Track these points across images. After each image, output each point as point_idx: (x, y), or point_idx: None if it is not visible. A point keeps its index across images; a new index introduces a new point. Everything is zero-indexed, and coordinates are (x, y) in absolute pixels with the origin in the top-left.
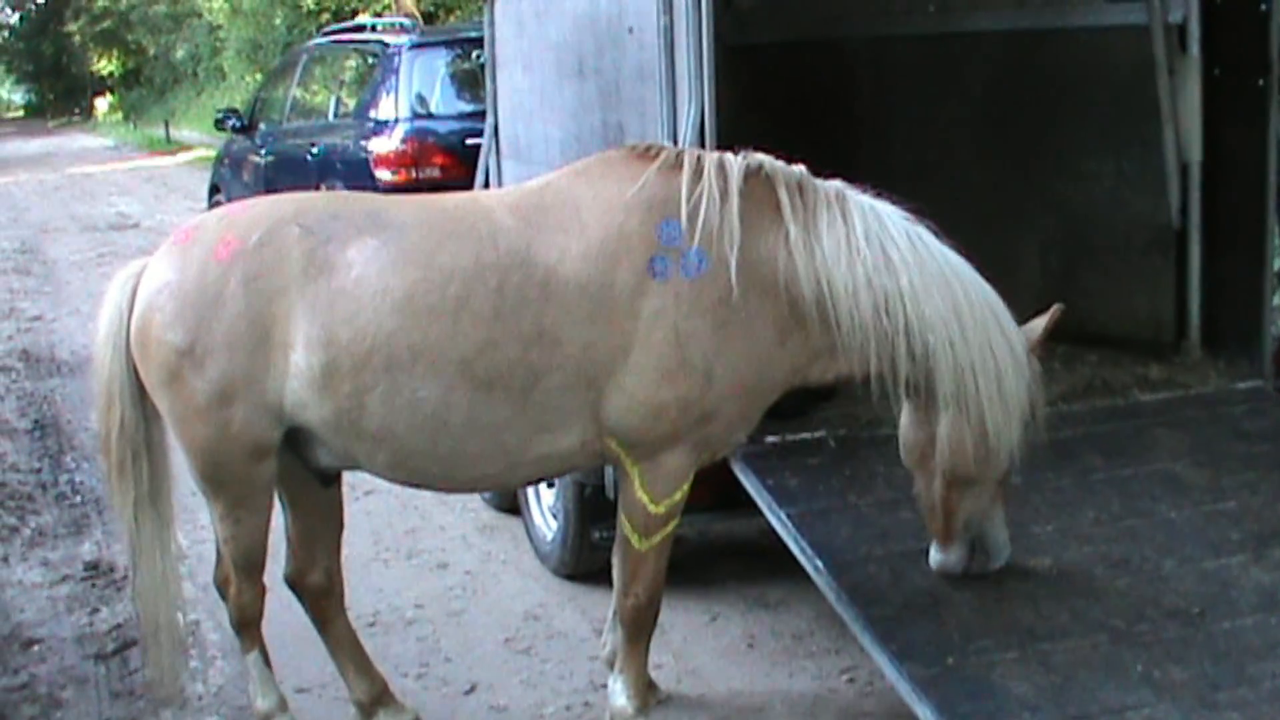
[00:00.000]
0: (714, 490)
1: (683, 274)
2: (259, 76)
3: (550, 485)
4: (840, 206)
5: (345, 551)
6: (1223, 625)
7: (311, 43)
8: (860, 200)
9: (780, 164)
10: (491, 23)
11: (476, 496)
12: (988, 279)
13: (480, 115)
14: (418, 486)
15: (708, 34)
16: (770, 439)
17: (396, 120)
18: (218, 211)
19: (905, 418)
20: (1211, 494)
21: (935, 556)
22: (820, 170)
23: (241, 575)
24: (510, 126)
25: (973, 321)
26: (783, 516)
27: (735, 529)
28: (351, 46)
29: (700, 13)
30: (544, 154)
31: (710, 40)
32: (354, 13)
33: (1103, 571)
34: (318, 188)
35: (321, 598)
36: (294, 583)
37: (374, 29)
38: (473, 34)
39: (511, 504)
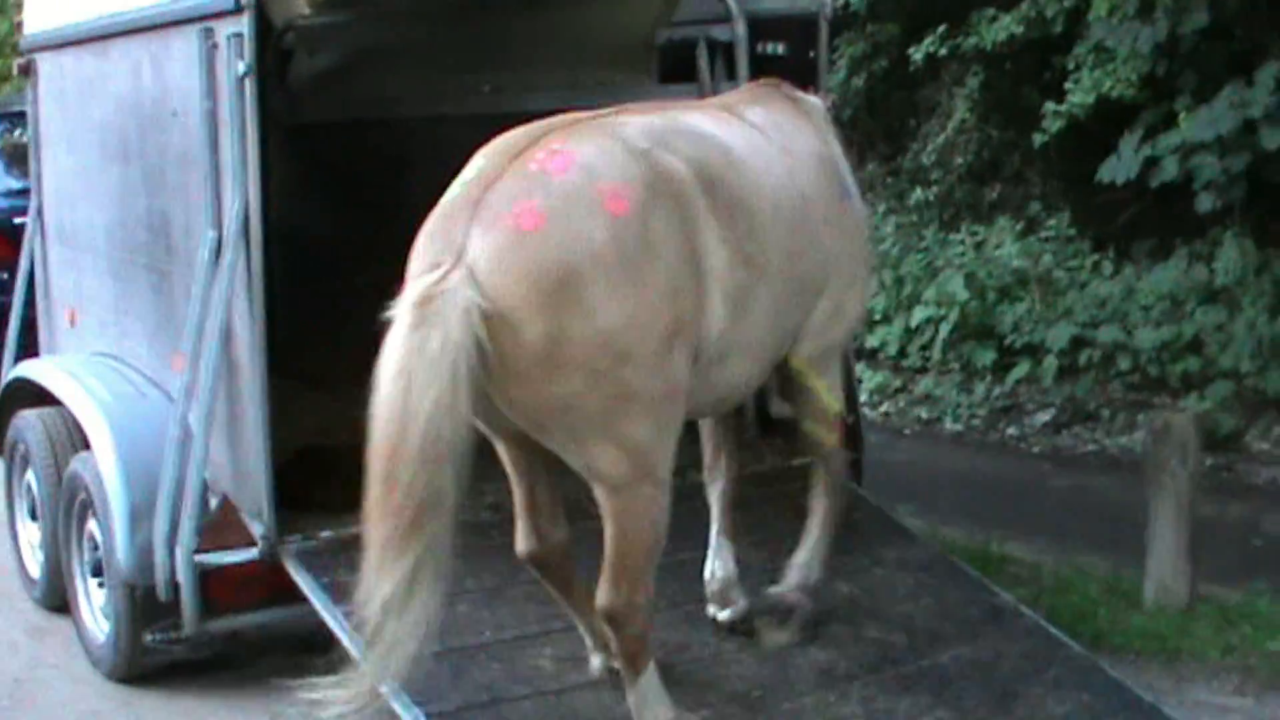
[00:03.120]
0: (271, 586)
1: (846, 199)
2: None
3: (100, 585)
4: None
5: None
6: (784, 705)
7: None
8: None
9: None
10: (35, 99)
11: (24, 597)
12: None
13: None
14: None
15: (252, 120)
16: (325, 534)
17: None
18: (533, 180)
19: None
20: (767, 573)
21: None
22: (377, 248)
23: (649, 572)
24: (55, 208)
25: None
26: (337, 614)
27: (299, 621)
28: None
29: (244, 98)
30: (89, 239)
31: (255, 127)
32: None
33: (663, 658)
34: None
35: (566, 559)
36: (540, 554)
37: None
38: (25, 108)
39: (62, 604)
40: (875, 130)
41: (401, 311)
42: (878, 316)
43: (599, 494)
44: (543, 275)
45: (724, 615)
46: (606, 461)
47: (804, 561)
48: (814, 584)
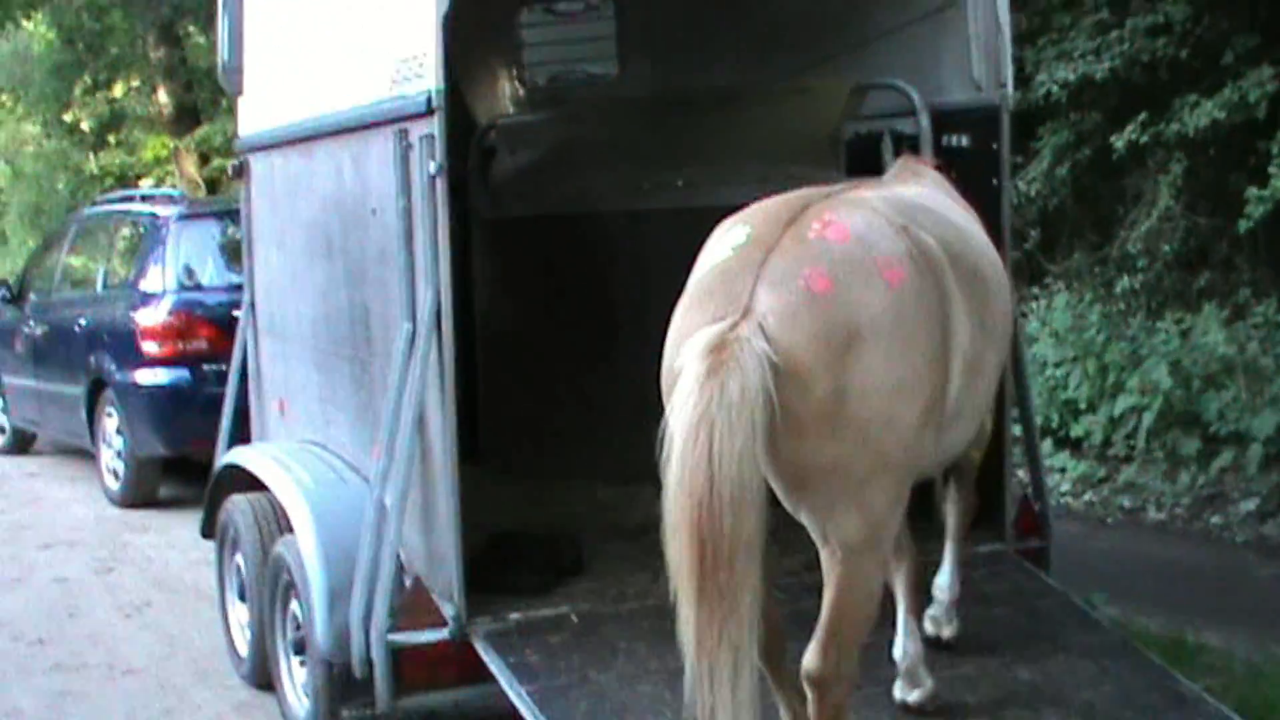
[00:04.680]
0: (461, 666)
1: None
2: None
3: (302, 663)
4: None
5: None
6: None
7: (83, 212)
8: None
9: None
10: (248, 198)
11: (233, 674)
12: None
13: None
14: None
15: (443, 217)
16: (513, 616)
17: (164, 292)
18: (816, 247)
19: None
20: (948, 657)
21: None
22: (579, 334)
23: (860, 642)
24: (266, 302)
25: None
26: (522, 693)
27: (490, 702)
28: (121, 216)
29: (436, 196)
30: (297, 331)
31: (446, 224)
32: (138, 178)
33: None
34: (87, 360)
35: (779, 632)
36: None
37: (143, 199)
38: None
39: (268, 681)
40: (1082, 218)
41: (692, 359)
42: (1082, 405)
43: (829, 560)
44: (832, 335)
45: (914, 697)
46: (850, 527)
47: (947, 584)
48: (957, 598)
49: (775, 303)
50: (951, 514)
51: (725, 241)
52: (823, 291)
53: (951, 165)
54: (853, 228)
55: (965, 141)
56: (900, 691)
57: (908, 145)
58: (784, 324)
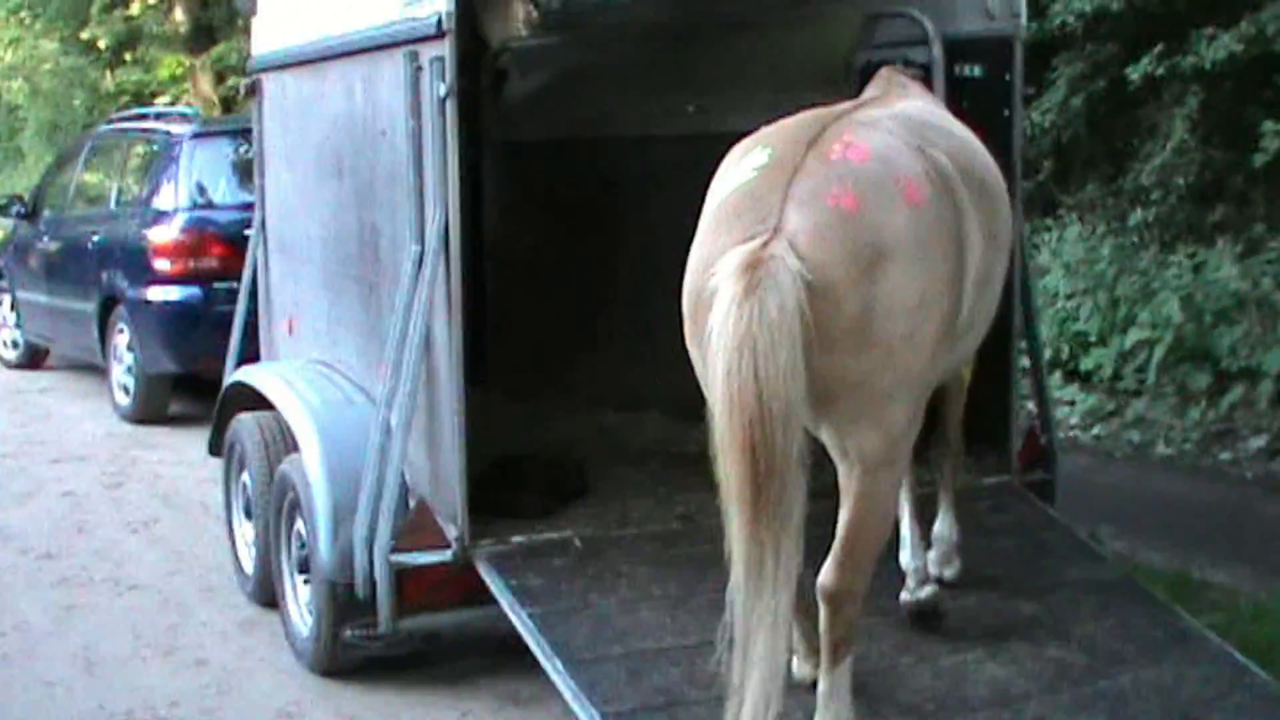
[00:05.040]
0: (464, 588)
1: None
2: None
3: (306, 582)
4: None
5: (102, 649)
6: None
7: (97, 129)
8: None
9: None
10: (260, 117)
11: (238, 591)
12: None
13: None
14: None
15: (452, 139)
16: (516, 539)
17: (176, 210)
18: (840, 167)
19: None
20: (951, 589)
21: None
22: (588, 263)
23: (874, 559)
24: (276, 221)
25: None
26: (524, 616)
27: (491, 624)
28: (135, 134)
29: (445, 119)
30: (306, 251)
31: (455, 146)
32: (154, 96)
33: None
34: (99, 277)
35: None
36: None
37: (157, 117)
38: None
39: (271, 599)
40: (1095, 150)
41: (727, 279)
42: (1092, 338)
43: (848, 477)
44: (859, 252)
45: (948, 572)
46: (871, 441)
47: (946, 531)
48: (958, 541)
49: (805, 222)
50: (941, 453)
51: (747, 163)
52: (850, 210)
53: (963, 95)
54: (873, 148)
55: (978, 71)
56: (934, 566)
57: (920, 75)
58: (814, 242)
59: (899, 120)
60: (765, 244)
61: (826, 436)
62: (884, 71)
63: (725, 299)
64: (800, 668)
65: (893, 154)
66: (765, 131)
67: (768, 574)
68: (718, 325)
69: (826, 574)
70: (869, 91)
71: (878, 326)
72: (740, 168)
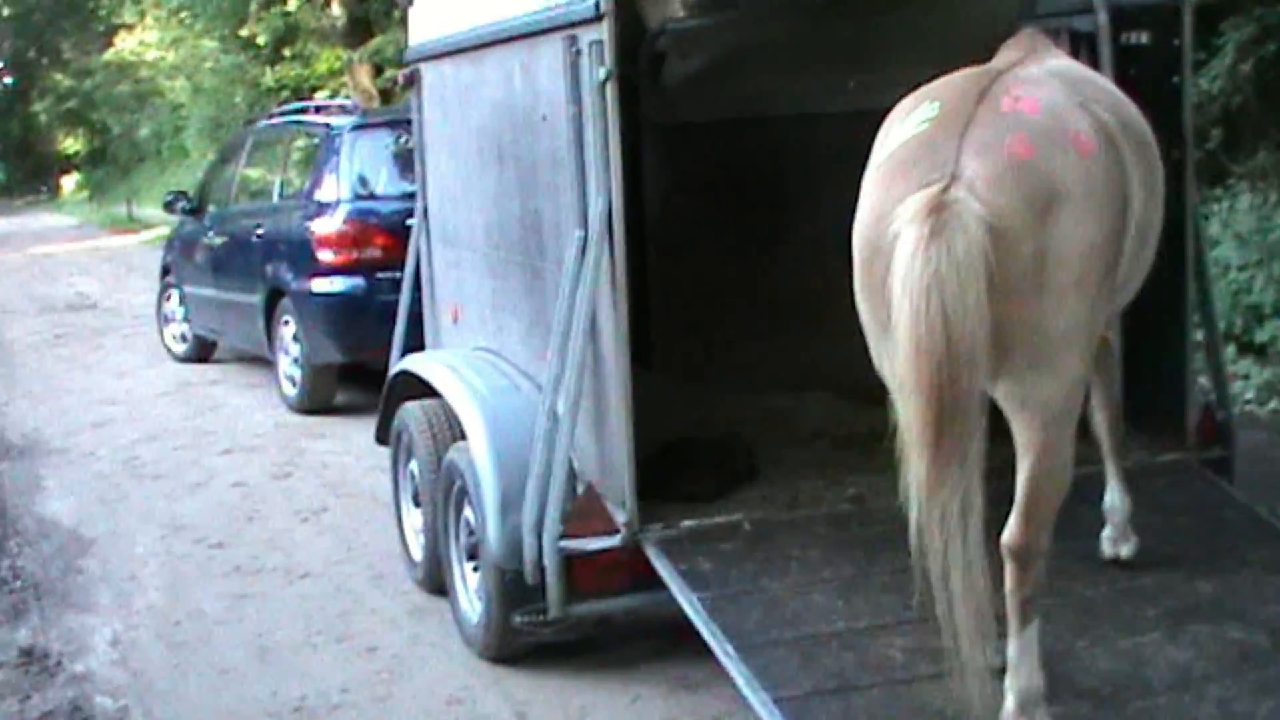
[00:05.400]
0: (633, 573)
1: None
2: None
3: (474, 569)
4: None
5: (275, 637)
6: (1135, 704)
7: (258, 124)
8: None
9: None
10: (419, 107)
11: (407, 578)
12: None
13: None
14: None
15: (613, 123)
16: (685, 523)
17: (338, 201)
18: (1012, 118)
19: None
20: (1128, 570)
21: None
22: (751, 240)
23: (1055, 514)
24: (438, 210)
25: None
26: (694, 600)
27: (661, 609)
28: (295, 128)
29: (605, 102)
30: (469, 239)
31: (616, 130)
32: (313, 90)
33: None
34: (264, 270)
35: None
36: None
37: (317, 110)
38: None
39: (440, 586)
40: (1266, 117)
41: (911, 222)
42: (1266, 310)
43: (1025, 432)
44: (1035, 198)
45: (1125, 550)
46: (1048, 390)
47: (1117, 503)
48: (1130, 513)
49: (982, 168)
50: (1101, 423)
51: (915, 117)
52: (1025, 158)
53: (1130, 62)
54: (1042, 101)
55: (1145, 39)
56: (1110, 546)
57: (1085, 44)
58: (992, 189)
59: (1058, 77)
60: (945, 189)
61: (1004, 389)
62: (1025, 32)
63: (910, 241)
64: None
65: (1060, 108)
66: (926, 89)
67: (952, 513)
68: (902, 268)
69: (1011, 532)
70: (1008, 53)
71: (1051, 272)
72: (908, 121)
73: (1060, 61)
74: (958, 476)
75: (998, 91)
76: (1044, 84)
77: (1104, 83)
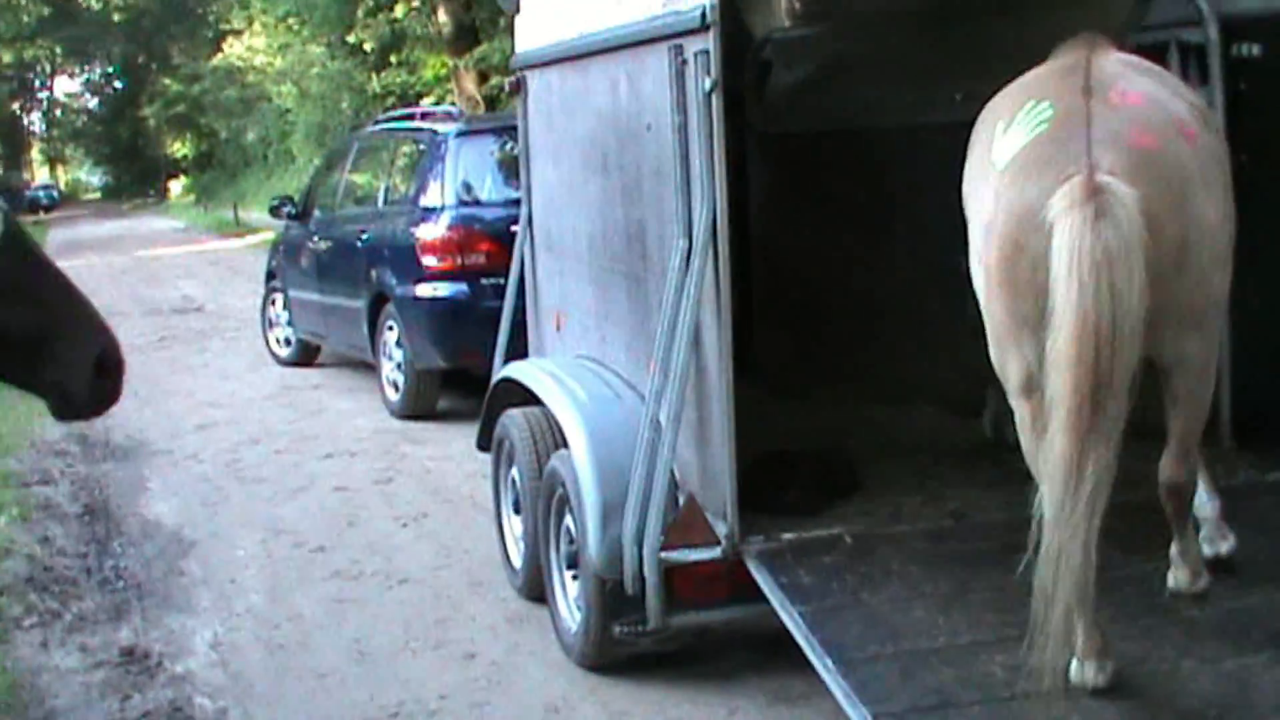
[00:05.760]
0: (733, 585)
1: None
2: None
3: (574, 577)
4: None
5: (373, 642)
6: None
7: (364, 130)
8: None
9: None
10: (524, 114)
11: (507, 585)
12: None
13: None
14: None
15: (718, 133)
16: (786, 536)
17: (443, 207)
18: (1128, 112)
19: None
20: (1234, 590)
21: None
22: (854, 251)
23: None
24: (542, 218)
25: None
26: (794, 614)
27: (760, 621)
28: (401, 134)
29: (711, 112)
30: (573, 247)
31: (721, 140)
32: (419, 96)
33: (1121, 669)
34: (368, 275)
35: None
36: None
37: (423, 116)
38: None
39: (540, 594)
40: None
41: (1071, 207)
42: None
43: (1178, 382)
44: (1170, 184)
45: (1224, 548)
46: (1196, 347)
47: (1204, 499)
48: (1221, 511)
49: (1117, 160)
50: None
51: (1028, 118)
52: (1152, 148)
53: (1241, 76)
54: (1145, 94)
55: (1257, 51)
56: (1209, 546)
57: (1194, 56)
58: (1131, 177)
59: (1133, 68)
60: (1092, 176)
61: (1158, 351)
62: (1082, 35)
63: (1075, 224)
64: (1083, 670)
65: (1162, 99)
66: (1017, 89)
67: (1086, 485)
68: (1067, 250)
69: (1169, 470)
70: (1072, 53)
71: (1193, 250)
72: (1019, 124)
73: (1123, 55)
74: (1104, 456)
75: (1103, 87)
76: (1133, 77)
77: (1167, 74)
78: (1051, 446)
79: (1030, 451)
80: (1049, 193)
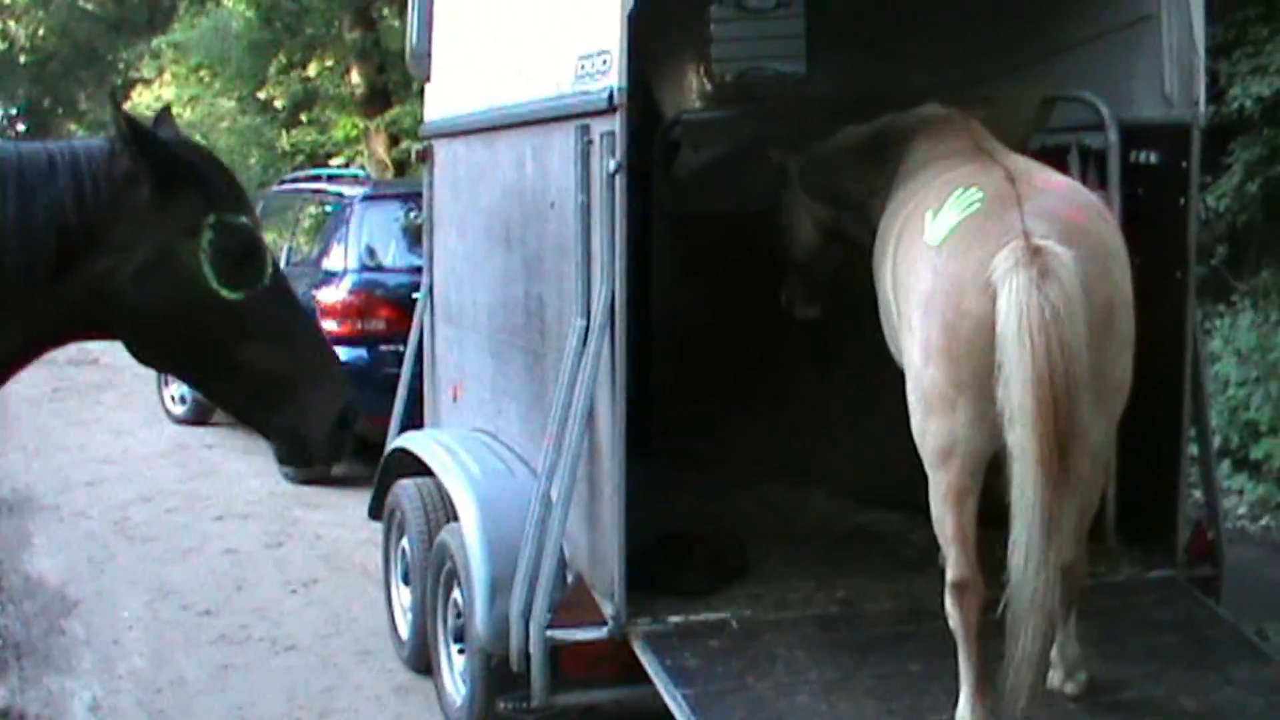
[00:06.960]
0: (619, 665)
1: None
2: None
3: (460, 651)
4: None
5: (258, 709)
6: None
7: (270, 189)
8: None
9: None
10: (431, 183)
11: (394, 655)
12: None
13: None
14: None
15: (620, 214)
16: (673, 619)
17: (345, 271)
18: (1052, 193)
19: None
20: (1113, 685)
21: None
22: (756, 333)
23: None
24: (444, 287)
25: None
26: (678, 696)
27: (647, 703)
28: (308, 195)
29: (615, 194)
30: (473, 318)
31: (623, 221)
32: (329, 156)
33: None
34: None
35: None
36: (973, 581)
37: (329, 178)
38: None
39: (427, 665)
40: (1272, 236)
41: (1015, 269)
42: (1263, 427)
43: (1081, 469)
44: (1097, 255)
45: (1069, 687)
46: (1100, 430)
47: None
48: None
49: (1050, 228)
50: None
51: (957, 202)
52: (1079, 222)
53: (1138, 181)
54: (1065, 182)
55: (1154, 158)
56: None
57: (1095, 160)
58: (1065, 243)
59: (1045, 168)
60: (1029, 241)
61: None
62: (952, 112)
63: (1022, 283)
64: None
65: (1079, 187)
66: (941, 184)
67: (1053, 531)
68: (1015, 308)
69: (1068, 553)
70: (956, 135)
71: (1118, 316)
72: (950, 208)
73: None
74: (1064, 498)
75: (1023, 175)
76: (1047, 170)
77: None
78: (1024, 497)
79: (939, 519)
80: (990, 257)
